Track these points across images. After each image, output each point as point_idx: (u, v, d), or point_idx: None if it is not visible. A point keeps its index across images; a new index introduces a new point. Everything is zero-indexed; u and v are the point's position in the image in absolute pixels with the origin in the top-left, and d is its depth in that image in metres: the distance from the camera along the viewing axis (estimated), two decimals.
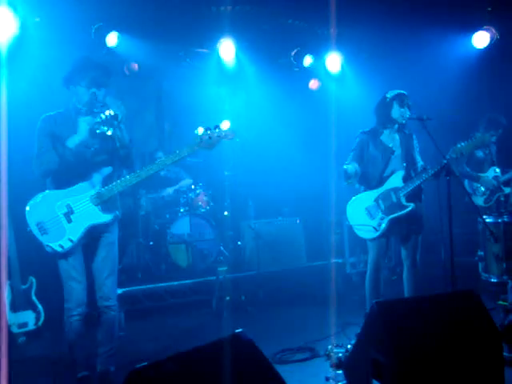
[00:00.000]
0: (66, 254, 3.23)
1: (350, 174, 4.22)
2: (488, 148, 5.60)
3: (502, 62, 6.61)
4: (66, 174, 3.24)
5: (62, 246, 3.18)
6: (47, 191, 3.26)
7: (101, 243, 3.38)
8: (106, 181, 3.30)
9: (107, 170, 3.34)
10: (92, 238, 3.34)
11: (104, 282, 3.36)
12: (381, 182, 4.28)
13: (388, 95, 4.30)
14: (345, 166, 4.25)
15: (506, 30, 6.43)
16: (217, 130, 3.34)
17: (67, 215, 3.20)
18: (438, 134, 4.00)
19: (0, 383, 3.08)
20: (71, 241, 3.19)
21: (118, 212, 3.39)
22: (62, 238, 3.18)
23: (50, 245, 3.17)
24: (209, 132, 3.32)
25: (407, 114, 4.22)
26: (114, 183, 3.26)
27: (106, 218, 3.28)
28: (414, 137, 4.40)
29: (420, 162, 4.33)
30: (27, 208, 3.20)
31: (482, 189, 5.43)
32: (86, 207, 3.23)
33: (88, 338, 3.42)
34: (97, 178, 3.29)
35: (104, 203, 3.26)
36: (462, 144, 3.98)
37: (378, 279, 4.34)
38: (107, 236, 3.39)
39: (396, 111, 4.25)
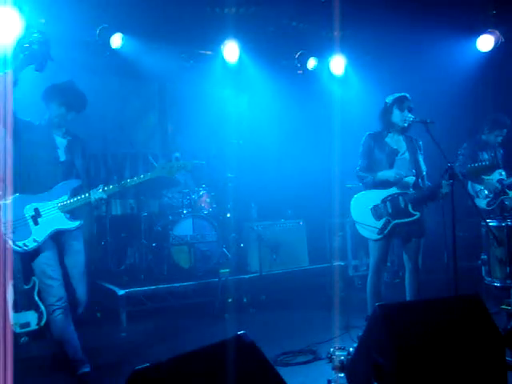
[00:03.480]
0: (37, 252, 3.46)
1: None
2: (493, 150, 5.57)
3: (507, 66, 6.59)
4: (38, 181, 3.50)
5: (26, 245, 3.41)
6: (17, 194, 3.47)
7: (69, 252, 3.63)
8: (75, 192, 3.59)
9: (76, 182, 3.63)
10: (59, 244, 3.59)
11: (75, 289, 3.62)
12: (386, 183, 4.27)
13: (387, 100, 4.30)
14: (371, 176, 4.29)
15: (511, 33, 6.42)
16: (177, 162, 3.87)
17: (34, 218, 3.46)
18: (441, 138, 3.99)
19: (6, 383, 3.10)
20: (36, 241, 3.42)
21: (82, 221, 3.63)
22: (27, 238, 3.42)
23: (17, 243, 3.40)
24: (170, 163, 3.82)
25: (408, 117, 4.19)
26: (80, 197, 3.55)
27: (71, 224, 3.56)
28: (421, 144, 4.37)
29: (425, 170, 4.31)
30: None
31: (486, 191, 5.39)
32: (54, 213, 3.50)
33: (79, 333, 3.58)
34: (67, 187, 3.56)
35: (70, 212, 3.56)
36: (474, 165, 4.20)
37: (379, 282, 4.33)
38: (75, 244, 3.65)
39: (396, 116, 4.24)
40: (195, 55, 6.85)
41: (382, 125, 4.36)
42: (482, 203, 5.37)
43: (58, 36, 5.40)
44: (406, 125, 4.24)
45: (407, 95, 4.27)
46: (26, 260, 3.55)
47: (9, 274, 3.86)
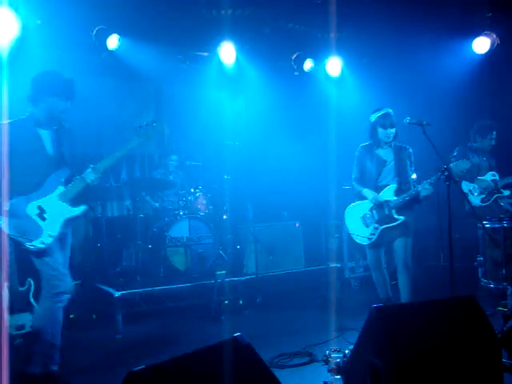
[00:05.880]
0: (48, 250, 3.47)
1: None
2: (486, 154, 5.59)
3: (503, 68, 6.62)
4: (29, 179, 3.47)
5: (43, 243, 3.42)
6: (13, 199, 3.43)
7: (65, 243, 3.67)
8: (69, 180, 3.61)
9: (66, 171, 3.62)
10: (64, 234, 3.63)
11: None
12: (376, 192, 4.60)
13: (371, 119, 4.61)
14: (359, 189, 4.70)
15: (507, 36, 6.45)
16: (151, 127, 4.14)
17: (40, 215, 3.47)
18: (438, 140, 4.01)
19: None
20: (51, 236, 3.45)
21: (86, 205, 3.69)
22: (41, 235, 3.43)
23: (33, 242, 3.40)
24: (143, 128, 4.09)
25: (390, 133, 4.52)
26: (75, 182, 3.59)
27: (76, 211, 3.61)
28: (411, 151, 4.65)
29: (411, 177, 4.57)
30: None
31: (479, 189, 5.40)
32: (57, 205, 3.52)
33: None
34: (58, 178, 3.57)
35: (72, 199, 3.58)
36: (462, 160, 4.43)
37: (381, 275, 4.67)
38: (69, 236, 3.70)
39: (381, 133, 4.56)
40: (191, 57, 6.85)
41: (371, 140, 4.68)
42: (476, 200, 5.38)
43: (54, 37, 5.41)
44: (390, 140, 4.57)
45: (388, 111, 4.53)
46: (27, 259, 3.55)
47: (4, 276, 3.85)
